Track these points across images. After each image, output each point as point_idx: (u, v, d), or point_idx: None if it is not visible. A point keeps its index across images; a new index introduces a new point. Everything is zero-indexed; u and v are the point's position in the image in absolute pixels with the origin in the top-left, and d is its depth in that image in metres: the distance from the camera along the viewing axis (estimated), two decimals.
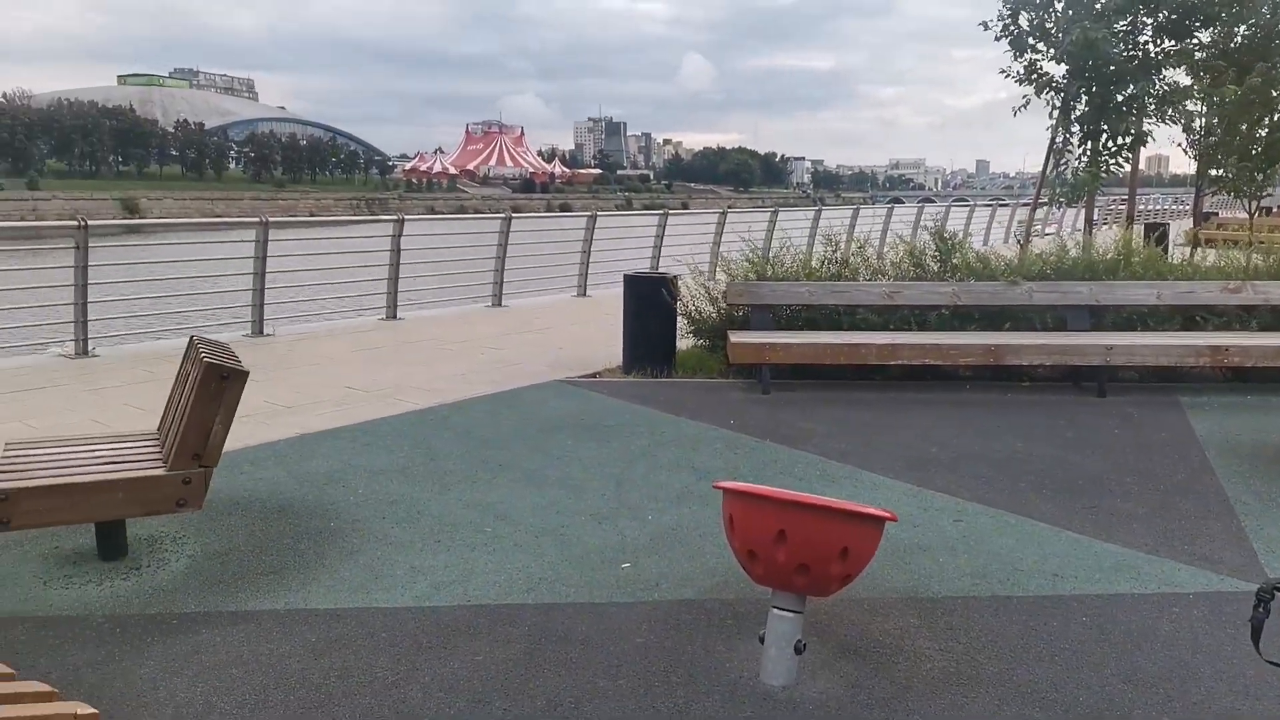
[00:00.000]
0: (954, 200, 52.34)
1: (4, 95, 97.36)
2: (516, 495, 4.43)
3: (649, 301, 7.18)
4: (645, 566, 3.66)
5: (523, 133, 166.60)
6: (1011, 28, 10.99)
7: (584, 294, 12.07)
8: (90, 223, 7.68)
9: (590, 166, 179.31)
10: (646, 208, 63.43)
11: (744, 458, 5.09)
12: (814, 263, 7.74)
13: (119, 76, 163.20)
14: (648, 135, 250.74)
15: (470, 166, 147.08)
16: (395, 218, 10.19)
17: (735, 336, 6.67)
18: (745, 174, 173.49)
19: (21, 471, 3.51)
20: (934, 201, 66.69)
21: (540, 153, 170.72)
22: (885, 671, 2.89)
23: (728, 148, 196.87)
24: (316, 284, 10.42)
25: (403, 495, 4.41)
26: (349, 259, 11.00)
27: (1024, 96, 11.24)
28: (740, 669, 2.88)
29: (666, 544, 3.88)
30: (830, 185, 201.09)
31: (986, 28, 11.07)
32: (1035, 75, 11.16)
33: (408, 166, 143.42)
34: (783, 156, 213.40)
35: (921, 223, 17.00)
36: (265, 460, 4.91)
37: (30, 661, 2.87)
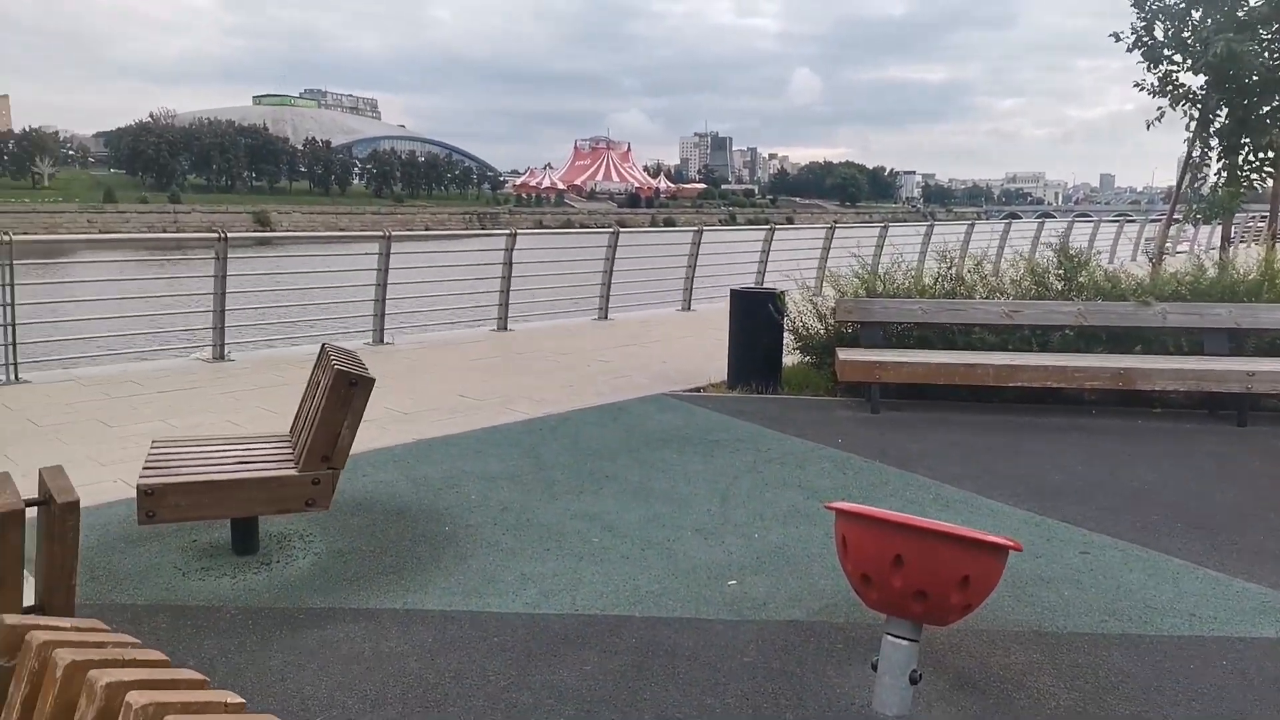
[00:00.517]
0: (1076, 215, 50.03)
1: (151, 115, 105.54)
2: (622, 507, 4.47)
3: (755, 316, 7.14)
4: (752, 585, 3.62)
5: (629, 148, 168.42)
6: (1145, 39, 10.46)
7: (688, 308, 12.09)
8: (229, 235, 8.18)
9: (695, 181, 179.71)
10: (750, 222, 63.14)
11: (853, 478, 4.99)
12: (926, 279, 7.55)
13: (254, 97, 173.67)
14: (753, 150, 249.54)
15: (578, 181, 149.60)
16: (508, 232, 10.45)
17: (844, 354, 6.56)
18: (852, 188, 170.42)
19: (166, 468, 3.75)
20: (1053, 216, 63.98)
21: (646, 168, 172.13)
22: (1006, 708, 2.77)
23: (834, 162, 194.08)
24: (433, 295, 10.79)
25: (513, 502, 4.51)
26: (462, 271, 11.35)
27: (1158, 109, 10.67)
28: (852, 695, 2.82)
29: (773, 563, 3.83)
30: (942, 200, 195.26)
31: (1118, 39, 10.56)
32: (1170, 87, 10.58)
33: (518, 182, 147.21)
34: (891, 170, 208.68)
35: (1042, 239, 16.36)
36: (385, 464, 5.10)
37: (170, 648, 3.05)
